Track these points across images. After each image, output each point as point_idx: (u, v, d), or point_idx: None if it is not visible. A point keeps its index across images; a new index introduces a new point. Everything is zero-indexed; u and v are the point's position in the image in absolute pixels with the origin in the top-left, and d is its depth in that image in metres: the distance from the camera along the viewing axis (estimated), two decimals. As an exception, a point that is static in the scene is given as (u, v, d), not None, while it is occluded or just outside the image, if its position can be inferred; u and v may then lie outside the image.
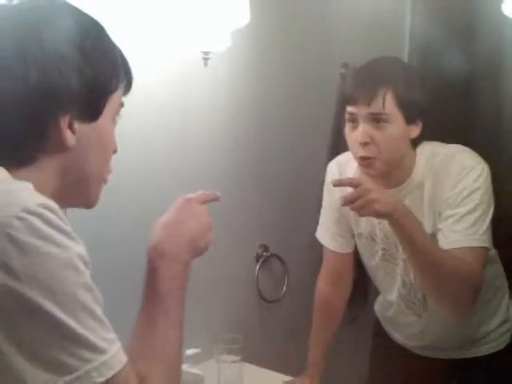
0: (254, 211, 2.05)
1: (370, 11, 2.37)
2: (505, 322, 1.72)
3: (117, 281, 1.46)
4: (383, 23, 2.46)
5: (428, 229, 1.54)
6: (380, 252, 1.69)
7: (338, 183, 1.50)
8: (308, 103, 2.19)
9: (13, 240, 0.68)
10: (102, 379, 0.70)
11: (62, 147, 0.82)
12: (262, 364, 1.87)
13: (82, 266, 0.72)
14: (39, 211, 0.70)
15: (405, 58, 2.58)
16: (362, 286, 2.04)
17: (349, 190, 1.50)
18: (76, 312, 0.70)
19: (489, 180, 1.52)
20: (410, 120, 1.51)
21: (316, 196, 2.14)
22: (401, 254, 1.62)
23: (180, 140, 1.79)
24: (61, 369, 0.69)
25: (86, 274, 0.73)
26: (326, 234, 1.81)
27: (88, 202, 0.90)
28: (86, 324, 0.70)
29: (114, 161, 0.94)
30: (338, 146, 2.25)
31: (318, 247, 1.89)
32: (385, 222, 1.55)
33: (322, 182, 1.85)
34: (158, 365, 0.81)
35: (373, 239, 1.69)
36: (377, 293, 1.88)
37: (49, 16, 0.83)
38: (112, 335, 0.74)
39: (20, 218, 0.68)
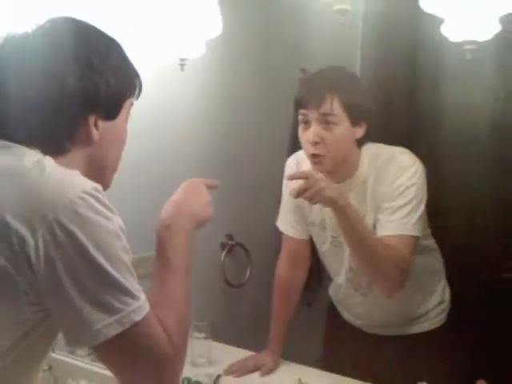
0: (220, 203, 2.16)
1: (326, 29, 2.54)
2: (441, 302, 1.89)
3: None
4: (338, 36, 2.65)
5: (370, 222, 1.67)
6: (330, 238, 1.82)
7: (292, 177, 1.66)
8: (271, 104, 2.35)
9: (78, 215, 0.87)
10: (139, 318, 0.91)
11: (88, 141, 1.01)
12: (229, 342, 1.99)
13: (122, 235, 0.93)
14: (93, 192, 0.90)
15: (357, 66, 2.78)
16: (316, 272, 2.14)
17: (294, 183, 1.66)
18: (120, 268, 0.91)
19: (423, 177, 1.67)
20: (355, 122, 1.65)
21: (277, 189, 2.32)
22: None
23: (154, 138, 1.92)
24: (110, 310, 0.89)
25: (125, 240, 0.94)
26: (285, 222, 1.94)
27: (104, 187, 1.05)
28: (127, 278, 0.92)
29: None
30: (296, 143, 2.44)
31: (279, 236, 2.01)
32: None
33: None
34: (170, 310, 1.00)
35: (324, 227, 1.82)
36: (330, 279, 2.02)
37: (82, 36, 1.03)
38: (139, 287, 0.95)
39: (81, 198, 0.88)
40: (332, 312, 2.06)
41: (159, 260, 1.07)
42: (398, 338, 1.87)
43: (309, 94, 1.66)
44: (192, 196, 1.17)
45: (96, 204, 0.90)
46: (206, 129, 2.13)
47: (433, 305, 1.88)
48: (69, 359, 1.72)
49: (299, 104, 1.68)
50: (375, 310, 1.86)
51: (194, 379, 1.71)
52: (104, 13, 1.66)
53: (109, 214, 0.91)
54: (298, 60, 2.49)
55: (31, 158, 0.94)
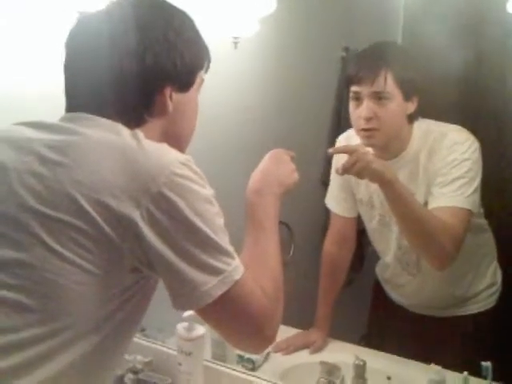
0: None
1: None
2: (492, 285, 1.87)
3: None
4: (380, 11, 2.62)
5: (421, 198, 1.66)
6: (377, 217, 1.82)
7: (337, 151, 1.67)
8: (314, 81, 2.34)
9: (179, 185, 0.92)
10: (238, 276, 0.96)
11: (164, 112, 1.04)
12: None
13: (214, 201, 0.98)
14: (187, 163, 0.96)
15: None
16: (358, 251, 2.14)
17: (343, 160, 1.65)
18: (217, 231, 0.95)
19: (477, 153, 1.64)
20: (407, 97, 1.65)
21: (319, 167, 2.32)
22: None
23: (212, 117, 1.87)
24: (214, 271, 0.93)
25: (217, 205, 0.98)
26: (333, 199, 1.95)
27: None
28: (224, 240, 0.97)
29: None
30: (339, 124, 2.41)
31: (323, 213, 2.03)
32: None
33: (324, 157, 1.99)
34: (265, 269, 1.05)
35: (372, 205, 1.82)
36: (372, 257, 2.03)
37: (157, 10, 1.05)
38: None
39: (180, 168, 0.93)
40: (378, 291, 2.06)
41: (251, 223, 1.13)
42: (445, 319, 1.86)
43: (362, 70, 1.65)
44: (277, 164, 1.23)
45: (191, 173, 0.95)
46: (258, 107, 2.13)
47: (483, 287, 1.86)
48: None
49: (351, 80, 1.68)
50: (423, 290, 1.86)
51: (246, 356, 1.73)
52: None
53: (202, 182, 0.96)
54: (340, 38, 2.47)
55: (126, 131, 0.97)
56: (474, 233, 1.71)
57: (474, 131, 1.70)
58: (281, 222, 2.25)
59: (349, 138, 1.88)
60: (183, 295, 0.94)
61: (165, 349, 1.69)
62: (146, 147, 0.95)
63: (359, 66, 1.68)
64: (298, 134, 2.32)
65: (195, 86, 1.09)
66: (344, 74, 2.41)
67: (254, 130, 2.14)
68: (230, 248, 0.97)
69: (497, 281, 1.90)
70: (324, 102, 2.40)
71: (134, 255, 0.91)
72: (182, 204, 0.91)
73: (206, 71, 1.14)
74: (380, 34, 2.64)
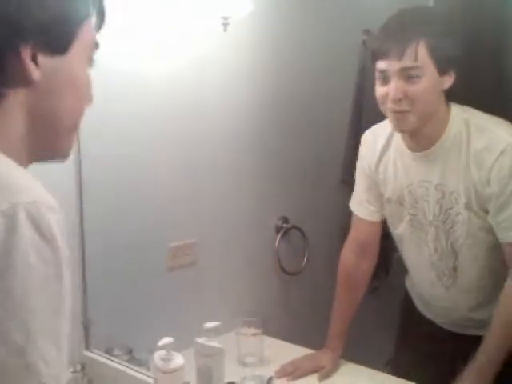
0: (274, 183, 2.03)
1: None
2: None
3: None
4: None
5: (461, 196, 1.50)
6: (407, 217, 1.64)
7: None
8: (330, 70, 2.13)
9: None
10: None
11: (25, 81, 0.77)
12: (282, 337, 1.85)
13: None
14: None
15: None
16: (383, 258, 1.99)
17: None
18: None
19: None
20: (443, 71, 1.44)
21: (338, 167, 2.11)
22: (432, 221, 1.58)
23: (199, 109, 1.76)
24: None
25: None
26: (357, 201, 1.76)
27: (59, 154, 0.83)
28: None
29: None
30: (359, 119, 2.24)
31: (340, 218, 1.85)
32: (414, 186, 1.56)
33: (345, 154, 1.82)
34: None
35: (401, 204, 1.65)
36: (398, 265, 1.84)
37: None
38: None
39: None
40: (407, 306, 1.86)
41: None
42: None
43: (388, 42, 1.44)
44: None
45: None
46: (254, 101, 1.93)
47: None
48: (104, 359, 1.59)
49: (376, 55, 1.47)
50: (457, 306, 1.67)
51: (239, 384, 1.53)
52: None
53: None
54: (360, 19, 2.24)
55: None
56: None
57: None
58: (294, 227, 2.13)
59: (375, 135, 1.69)
60: None
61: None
62: None
63: (385, 37, 1.47)
64: (312, 130, 2.13)
65: (78, 49, 0.81)
66: (366, 58, 2.23)
67: (253, 127, 1.96)
68: None
69: None
70: (342, 93, 2.18)
71: None
72: None
73: (98, 29, 0.85)
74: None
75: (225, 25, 1.61)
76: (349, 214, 1.81)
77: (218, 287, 1.85)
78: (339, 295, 1.79)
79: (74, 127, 0.84)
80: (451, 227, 1.56)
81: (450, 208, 1.54)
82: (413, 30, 1.42)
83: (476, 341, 1.61)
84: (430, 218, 1.57)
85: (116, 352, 1.62)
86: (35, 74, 0.76)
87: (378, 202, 1.71)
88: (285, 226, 2.08)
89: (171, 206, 1.70)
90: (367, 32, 2.24)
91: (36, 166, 0.80)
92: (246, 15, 1.66)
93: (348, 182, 1.91)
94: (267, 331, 1.74)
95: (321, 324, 1.82)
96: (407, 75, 1.42)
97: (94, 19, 0.82)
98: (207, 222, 1.83)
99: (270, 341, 1.77)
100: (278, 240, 2.06)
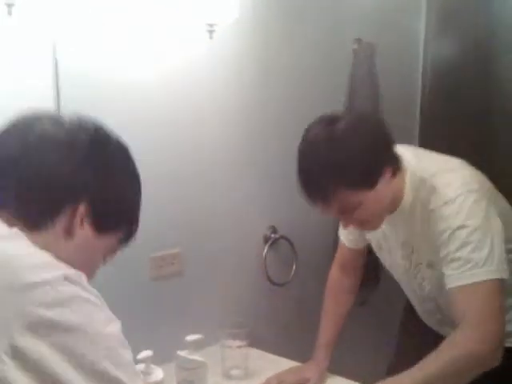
0: (262, 191, 2.00)
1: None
2: None
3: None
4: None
5: (424, 257, 1.51)
6: (388, 261, 1.67)
7: None
8: (318, 80, 2.11)
9: None
10: None
11: (67, 232, 0.94)
12: (269, 349, 1.83)
13: None
14: None
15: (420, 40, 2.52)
16: (373, 270, 2.00)
17: None
18: None
19: (475, 205, 1.39)
20: (373, 182, 1.39)
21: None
22: (404, 273, 1.60)
23: (185, 117, 1.74)
24: None
25: None
26: (341, 227, 1.77)
27: None
28: None
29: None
30: None
31: (328, 227, 1.84)
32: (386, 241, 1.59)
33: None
34: None
35: (380, 248, 1.67)
36: (388, 277, 1.79)
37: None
38: None
39: None
40: (408, 314, 1.82)
41: None
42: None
43: (315, 202, 1.44)
44: None
45: None
46: (240, 109, 1.90)
47: None
48: None
49: (313, 203, 1.46)
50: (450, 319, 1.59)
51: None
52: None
53: None
54: (350, 28, 2.23)
55: None
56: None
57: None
58: (283, 237, 2.10)
59: None
60: None
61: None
62: None
63: (308, 193, 1.44)
64: (297, 140, 2.07)
65: (109, 238, 1.00)
66: (357, 67, 2.25)
67: (241, 135, 1.93)
68: None
69: None
70: (332, 103, 2.13)
71: None
72: None
73: (125, 241, 1.04)
74: (399, 26, 2.42)
75: (210, 32, 1.59)
76: (337, 224, 1.80)
77: (203, 298, 1.82)
78: (326, 308, 1.81)
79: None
80: (422, 281, 1.57)
81: (420, 264, 1.54)
82: (324, 183, 1.38)
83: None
84: (402, 271, 1.60)
85: None
86: (76, 229, 0.93)
87: (362, 234, 1.71)
88: (273, 235, 2.04)
89: (155, 215, 1.67)
90: (358, 41, 2.24)
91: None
92: (232, 22, 1.64)
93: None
94: (253, 343, 1.72)
95: (308, 336, 1.79)
96: (347, 210, 1.41)
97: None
98: (193, 231, 1.80)
99: (255, 353, 1.74)
100: (265, 250, 2.02)
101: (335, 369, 1.73)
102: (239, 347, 1.66)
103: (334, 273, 1.84)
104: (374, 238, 1.67)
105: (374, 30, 2.28)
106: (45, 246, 0.87)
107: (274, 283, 2.05)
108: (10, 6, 1.27)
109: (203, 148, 1.81)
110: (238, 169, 1.92)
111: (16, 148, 0.91)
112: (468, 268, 1.36)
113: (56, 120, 0.96)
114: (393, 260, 1.63)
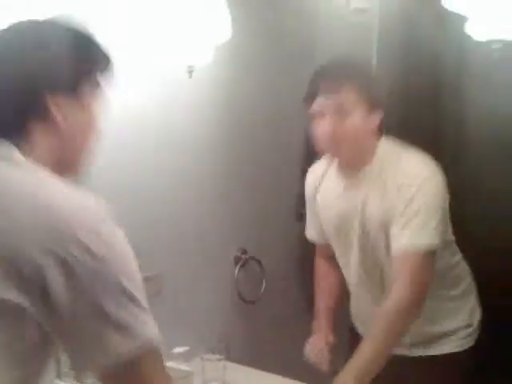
0: (233, 215, 2.13)
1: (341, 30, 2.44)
2: (467, 326, 1.77)
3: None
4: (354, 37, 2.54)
5: (388, 217, 1.60)
6: (337, 241, 1.80)
7: None
8: (284, 113, 2.25)
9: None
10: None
11: (52, 122, 0.95)
12: (243, 361, 1.90)
13: None
14: None
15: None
16: None
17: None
18: None
19: (433, 187, 1.58)
20: (370, 109, 1.60)
21: (291, 203, 2.21)
22: (357, 241, 1.70)
23: (165, 147, 1.84)
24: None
25: None
26: (311, 228, 1.91)
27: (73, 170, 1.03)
28: None
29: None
30: (312, 156, 2.35)
31: (296, 251, 1.93)
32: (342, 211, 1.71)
33: (297, 193, 1.93)
34: None
35: (335, 228, 1.79)
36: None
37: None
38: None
39: None
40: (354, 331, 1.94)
41: None
42: (418, 359, 1.76)
43: (322, 83, 1.61)
44: None
45: None
46: (216, 139, 2.04)
47: (455, 326, 1.77)
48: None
49: (313, 95, 1.61)
50: None
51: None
52: (109, 18, 1.58)
53: None
54: (312, 64, 2.36)
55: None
56: (446, 260, 1.68)
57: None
58: (253, 258, 2.23)
59: (314, 170, 1.86)
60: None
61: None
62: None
63: (319, 79, 1.63)
64: (266, 167, 2.24)
65: (89, 93, 1.00)
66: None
67: (210, 167, 2.04)
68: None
69: (473, 322, 1.80)
70: (295, 132, 2.29)
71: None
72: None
73: (103, 72, 1.02)
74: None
75: (190, 72, 1.73)
76: (305, 245, 1.94)
77: (187, 314, 1.91)
78: (317, 296, 1.91)
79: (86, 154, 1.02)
80: (372, 248, 1.68)
81: (372, 229, 1.65)
82: (344, 74, 1.60)
83: (411, 362, 1.73)
84: (355, 239, 1.70)
85: (85, 380, 1.67)
86: (58, 114, 0.94)
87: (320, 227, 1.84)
88: (244, 256, 2.16)
89: (134, 239, 1.76)
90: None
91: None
92: (208, 64, 1.77)
93: (302, 216, 2.01)
94: (230, 357, 1.79)
95: (280, 348, 1.91)
96: (339, 111, 1.57)
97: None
98: (171, 253, 1.88)
99: (232, 366, 1.81)
100: (237, 270, 2.15)
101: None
102: (218, 360, 1.75)
103: (318, 261, 1.95)
104: (330, 222, 1.78)
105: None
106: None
107: (245, 301, 2.17)
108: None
109: (178, 175, 1.89)
110: (211, 195, 2.04)
111: None
112: (415, 235, 1.55)
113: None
114: (345, 233, 1.73)
